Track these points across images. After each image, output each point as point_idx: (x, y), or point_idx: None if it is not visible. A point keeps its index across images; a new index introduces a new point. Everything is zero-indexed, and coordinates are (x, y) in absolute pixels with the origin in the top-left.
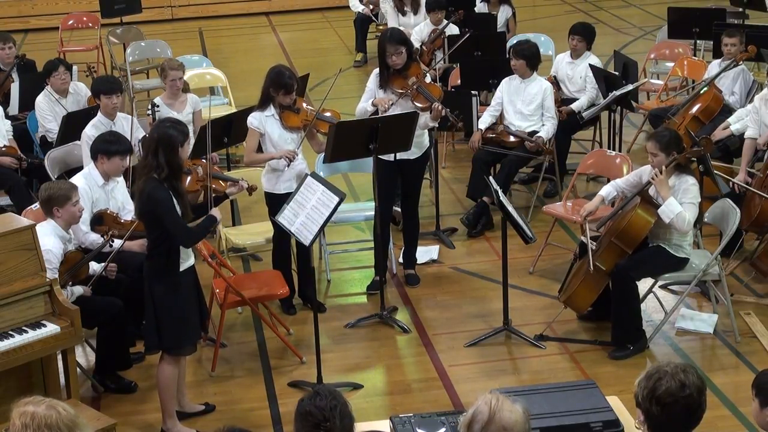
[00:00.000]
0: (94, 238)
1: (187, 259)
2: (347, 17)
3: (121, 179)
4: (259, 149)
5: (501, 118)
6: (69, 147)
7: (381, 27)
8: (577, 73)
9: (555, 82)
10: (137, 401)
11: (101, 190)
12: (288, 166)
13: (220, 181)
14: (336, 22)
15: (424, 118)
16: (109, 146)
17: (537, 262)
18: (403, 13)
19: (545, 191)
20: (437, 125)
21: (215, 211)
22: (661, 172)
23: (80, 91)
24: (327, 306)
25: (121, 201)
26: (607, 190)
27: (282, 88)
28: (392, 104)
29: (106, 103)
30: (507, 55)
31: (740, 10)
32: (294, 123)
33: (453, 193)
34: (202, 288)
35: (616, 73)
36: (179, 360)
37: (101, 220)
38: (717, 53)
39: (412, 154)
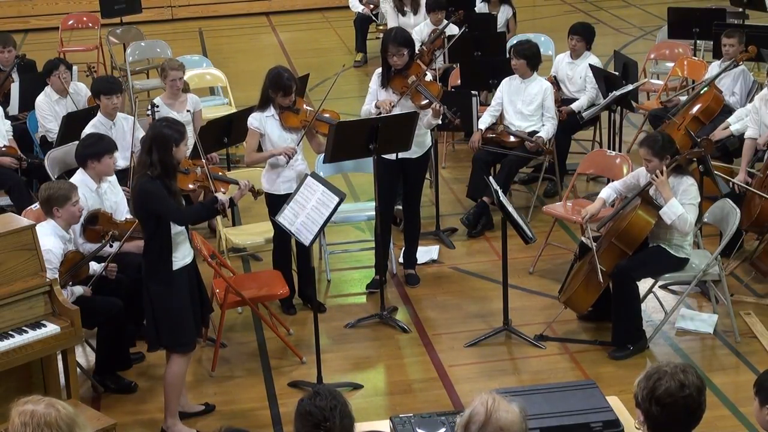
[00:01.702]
0: (90, 247)
1: (183, 257)
2: (347, 17)
3: (113, 179)
4: (260, 150)
5: (501, 118)
6: (69, 147)
7: (381, 27)
8: (577, 73)
9: (555, 82)
10: (137, 401)
11: (95, 195)
12: (287, 162)
13: (223, 183)
14: (336, 22)
15: (427, 118)
16: (95, 148)
17: (537, 262)
18: (403, 13)
19: (545, 191)
20: (439, 123)
21: (220, 194)
22: (662, 173)
23: (80, 91)
24: (327, 306)
25: (114, 201)
26: (606, 193)
27: (281, 89)
28: (394, 105)
29: (106, 103)
30: (507, 55)
31: (740, 10)
32: (293, 123)
33: (453, 193)
34: (204, 285)
35: (616, 73)
36: (188, 358)
37: (95, 221)
38: (717, 53)
39: (414, 153)
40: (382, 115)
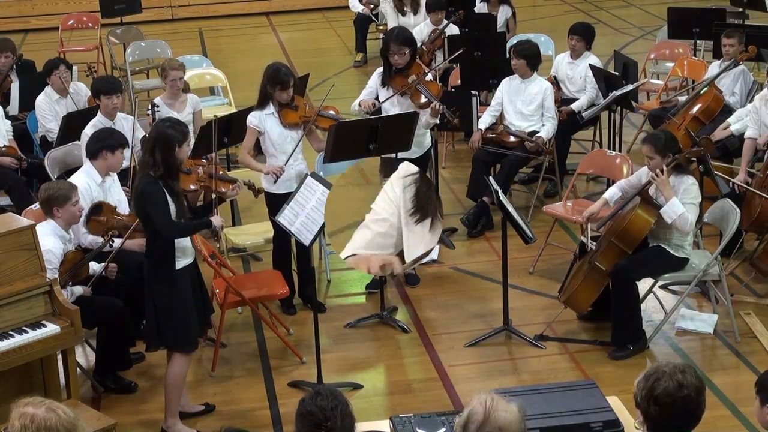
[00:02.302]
0: (92, 239)
1: (185, 257)
2: (347, 17)
3: (115, 177)
4: (259, 148)
5: (501, 118)
6: (69, 147)
7: (381, 27)
8: (577, 73)
9: (555, 82)
10: (137, 401)
11: (99, 188)
12: (275, 182)
13: (224, 183)
14: (336, 22)
15: (426, 117)
16: (110, 141)
17: (537, 262)
18: (403, 14)
19: (545, 191)
20: (437, 122)
21: (216, 219)
22: (662, 172)
23: (80, 91)
24: (327, 306)
25: (117, 199)
26: (611, 192)
27: (278, 84)
28: (377, 108)
29: (106, 103)
30: (507, 55)
31: (740, 10)
32: (293, 120)
33: (453, 193)
34: (205, 285)
35: (616, 73)
36: (190, 358)
37: (99, 210)
38: (717, 53)
39: (414, 153)
40: (364, 113)
